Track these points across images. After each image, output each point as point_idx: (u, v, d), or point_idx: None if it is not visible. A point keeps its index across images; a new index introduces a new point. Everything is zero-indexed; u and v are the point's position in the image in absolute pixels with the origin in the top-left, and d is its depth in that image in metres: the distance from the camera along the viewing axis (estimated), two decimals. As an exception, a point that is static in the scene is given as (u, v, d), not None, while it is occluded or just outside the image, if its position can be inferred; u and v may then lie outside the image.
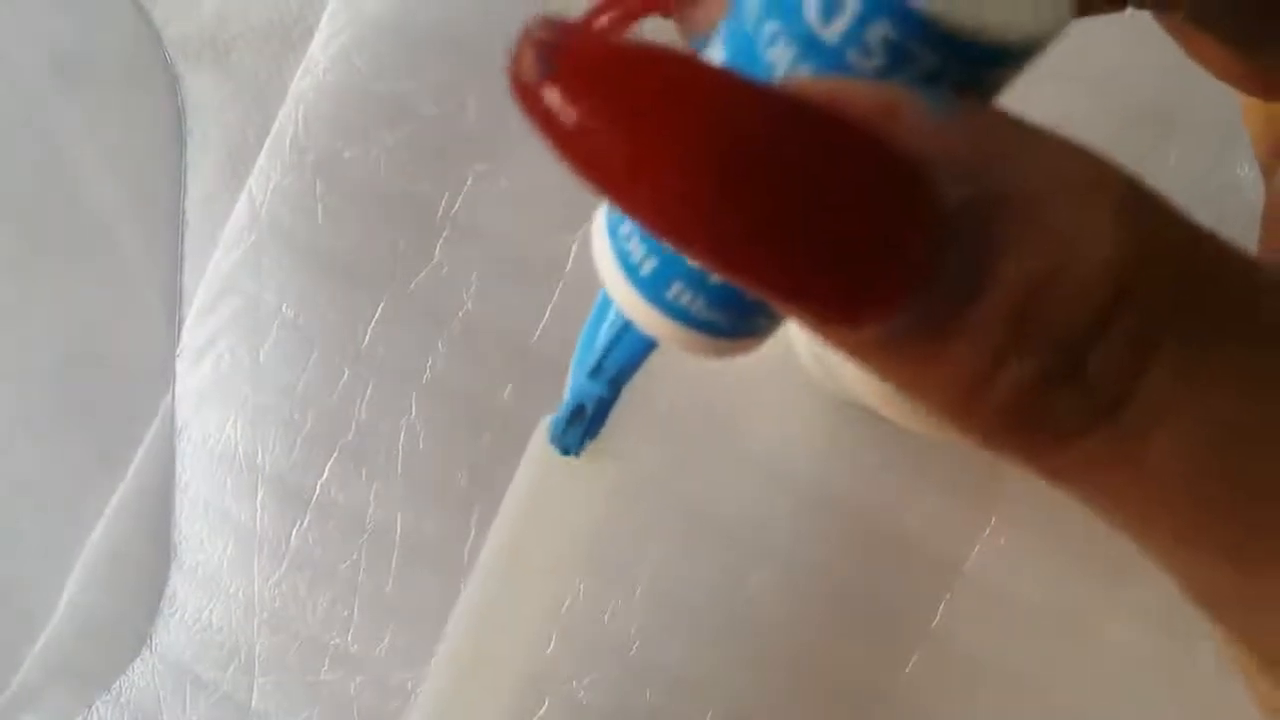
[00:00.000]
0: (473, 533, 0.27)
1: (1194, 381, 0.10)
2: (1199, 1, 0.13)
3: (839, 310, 0.10)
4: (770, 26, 0.11)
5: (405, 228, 0.28)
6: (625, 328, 0.17)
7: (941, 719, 0.27)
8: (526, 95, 0.10)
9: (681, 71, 0.09)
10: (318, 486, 0.28)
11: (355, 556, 0.28)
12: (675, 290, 0.13)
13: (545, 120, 0.10)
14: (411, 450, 0.28)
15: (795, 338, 0.26)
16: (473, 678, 0.22)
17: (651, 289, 0.14)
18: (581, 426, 0.20)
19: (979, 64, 0.10)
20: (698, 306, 0.13)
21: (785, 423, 0.27)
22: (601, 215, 0.14)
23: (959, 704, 0.26)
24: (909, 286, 0.09)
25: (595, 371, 0.18)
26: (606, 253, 0.14)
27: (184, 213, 0.30)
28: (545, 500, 0.21)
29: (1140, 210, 0.10)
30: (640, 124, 0.09)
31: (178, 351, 0.29)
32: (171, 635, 0.28)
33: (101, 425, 0.30)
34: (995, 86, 0.11)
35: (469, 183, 0.28)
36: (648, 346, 0.17)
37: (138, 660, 0.29)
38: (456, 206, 0.28)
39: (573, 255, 0.28)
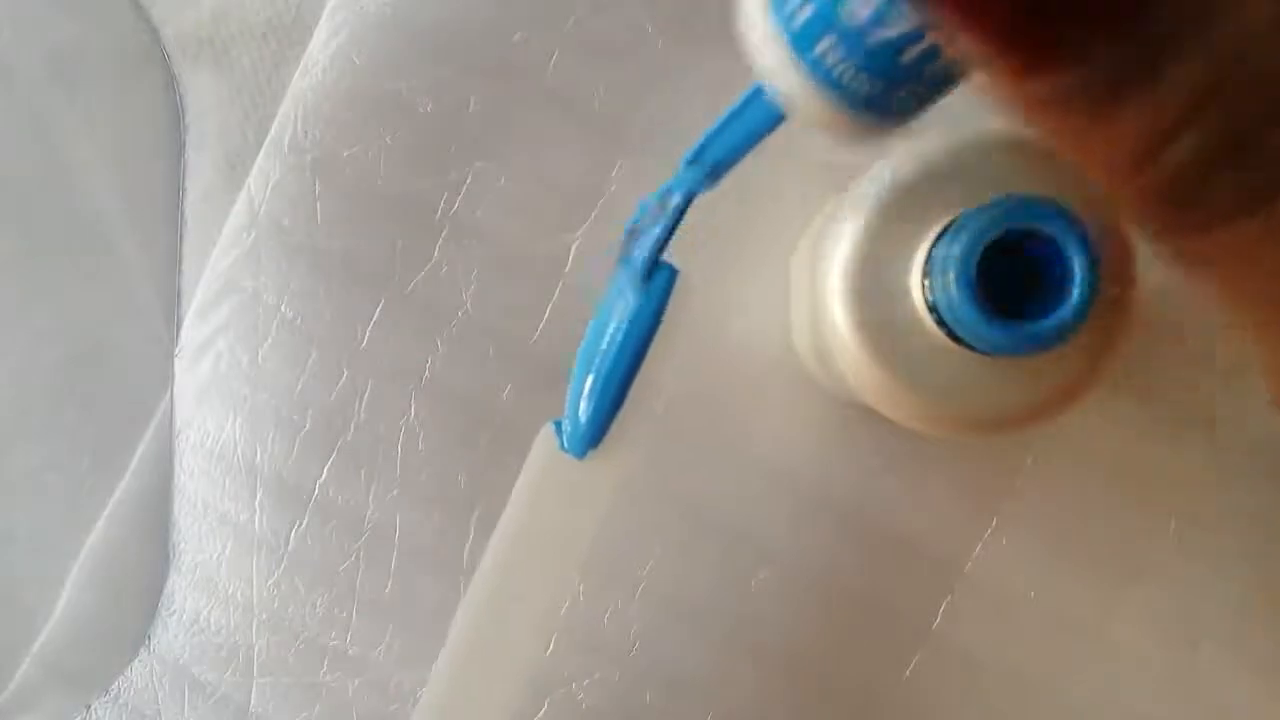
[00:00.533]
0: (472, 533, 0.27)
1: None
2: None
3: (1035, 42, 0.09)
4: None
5: (404, 227, 0.28)
6: (739, 109, 0.16)
7: (942, 719, 0.26)
8: None
9: None
10: (316, 487, 0.28)
11: (354, 557, 0.28)
12: (825, 46, 0.13)
13: None
14: (410, 451, 0.28)
15: (797, 338, 0.26)
16: (474, 678, 0.22)
17: (801, 43, 0.13)
18: (595, 431, 0.19)
19: None
20: (844, 68, 0.13)
21: (786, 423, 0.27)
22: None
23: (960, 704, 0.26)
24: (1112, 28, 0.09)
25: (696, 155, 0.17)
26: (757, 6, 0.14)
27: (182, 212, 0.30)
28: (548, 505, 0.21)
29: None
30: None
31: (176, 351, 0.29)
32: (170, 636, 0.28)
33: (100, 425, 0.30)
34: None
35: (468, 182, 0.28)
36: (760, 129, 0.17)
37: (136, 661, 0.29)
38: (456, 206, 0.28)
39: (572, 255, 0.28)
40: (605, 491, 0.21)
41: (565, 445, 0.21)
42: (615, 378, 0.19)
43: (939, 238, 0.20)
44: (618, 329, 0.18)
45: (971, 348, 0.20)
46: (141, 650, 0.29)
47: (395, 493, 0.28)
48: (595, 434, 0.20)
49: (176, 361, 0.29)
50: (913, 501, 0.26)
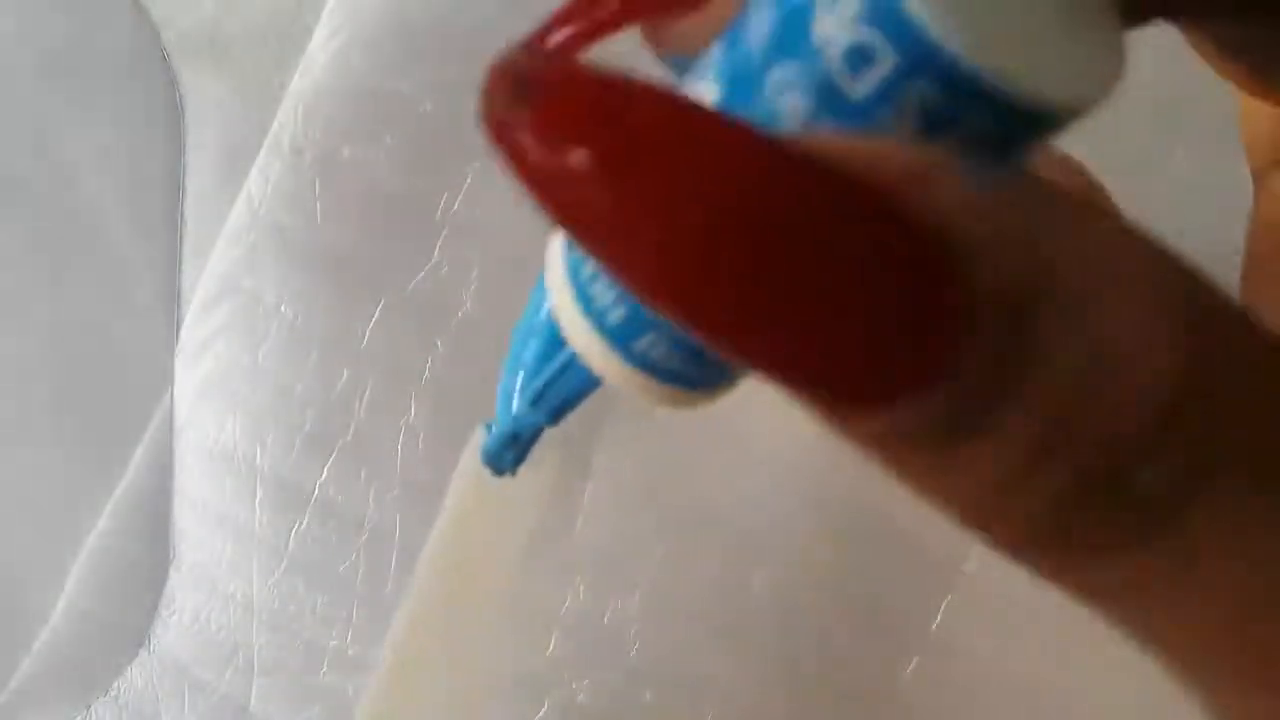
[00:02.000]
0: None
1: (1251, 514, 0.08)
2: (1209, 9, 0.12)
3: (847, 399, 0.09)
4: (781, 71, 0.10)
5: (404, 227, 0.28)
6: (573, 360, 0.15)
7: (942, 719, 0.26)
8: (498, 131, 0.09)
9: (678, 113, 0.08)
10: (316, 487, 0.28)
11: (354, 557, 0.28)
12: (646, 343, 0.12)
13: (518, 160, 0.09)
14: (410, 451, 0.28)
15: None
16: (414, 673, 0.21)
17: (619, 338, 0.12)
18: (517, 451, 0.18)
19: (1025, 129, 0.09)
20: (671, 360, 0.12)
21: (786, 422, 0.27)
22: (559, 249, 0.13)
23: (960, 705, 0.26)
24: (930, 377, 0.08)
25: (537, 401, 0.16)
26: (565, 291, 0.13)
27: (182, 212, 0.30)
28: (478, 515, 0.21)
29: (1202, 316, 0.09)
30: (627, 175, 0.08)
31: (176, 351, 0.29)
32: (170, 636, 0.28)
33: (99, 425, 0.30)
34: (1030, 154, 0.10)
35: (468, 181, 0.28)
36: (598, 382, 0.16)
37: (136, 661, 0.29)
38: (455, 205, 0.28)
39: (572, 255, 0.28)
40: (534, 503, 0.20)
41: (497, 463, 0.19)
42: (554, 404, 0.18)
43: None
44: (564, 354, 0.17)
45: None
46: (141, 650, 0.29)
47: (395, 492, 0.28)
48: (525, 454, 0.20)
49: (176, 361, 0.29)
50: (913, 502, 0.26)
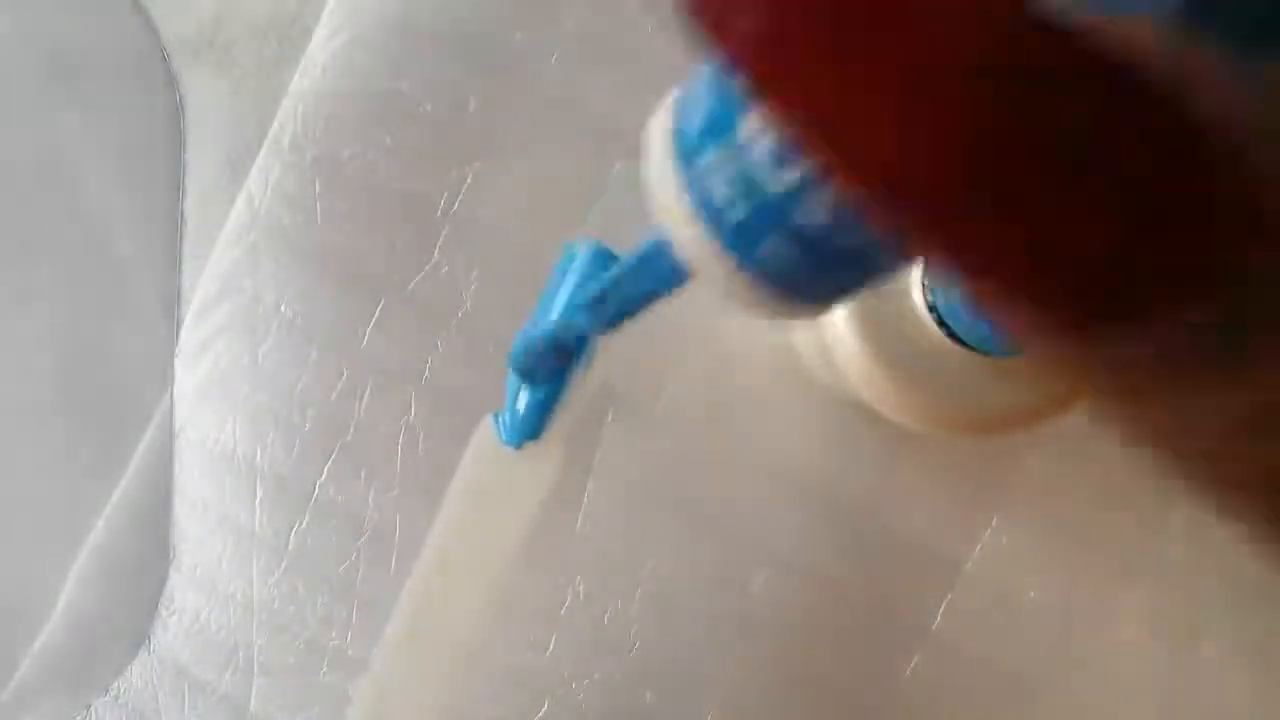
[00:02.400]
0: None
1: None
2: None
3: (1105, 309, 0.07)
4: None
5: (404, 227, 0.28)
6: (647, 257, 0.14)
7: (942, 719, 0.26)
8: (715, 14, 0.07)
9: None
10: (316, 487, 0.28)
11: (354, 557, 0.28)
12: (771, 247, 0.11)
13: (738, 45, 0.07)
14: (410, 450, 0.28)
15: (798, 336, 0.26)
16: (409, 661, 0.21)
17: (738, 239, 0.11)
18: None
19: None
20: (791, 266, 0.11)
21: (786, 422, 0.27)
22: (666, 129, 0.11)
23: (959, 704, 0.26)
24: (1204, 295, 0.07)
25: (596, 303, 0.15)
26: (672, 182, 0.11)
27: (183, 212, 0.30)
28: (487, 497, 0.21)
29: None
30: (864, 46, 0.07)
31: (176, 351, 0.29)
32: (170, 636, 0.28)
33: (99, 425, 0.30)
34: None
35: (468, 182, 0.28)
36: (670, 286, 0.14)
37: (136, 661, 0.29)
38: (456, 206, 0.28)
39: (572, 254, 0.28)
40: (542, 485, 0.21)
41: (503, 436, 0.20)
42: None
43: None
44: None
45: (972, 348, 0.20)
46: (141, 650, 0.29)
47: (395, 492, 0.28)
48: (533, 426, 0.20)
49: (176, 361, 0.29)
50: (913, 501, 0.27)
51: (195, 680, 0.28)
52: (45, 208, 0.31)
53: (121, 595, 0.29)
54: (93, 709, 0.29)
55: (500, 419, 0.21)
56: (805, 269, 0.11)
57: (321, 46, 0.29)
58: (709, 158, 0.11)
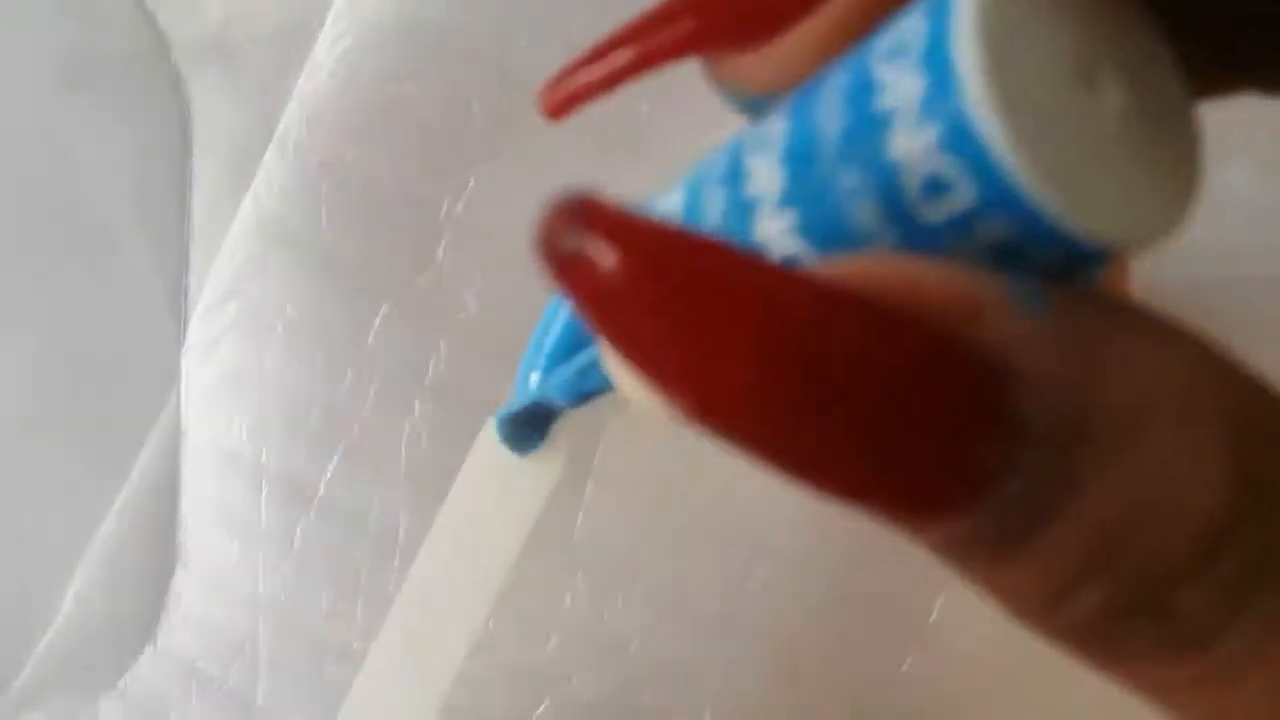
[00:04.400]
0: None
1: None
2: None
3: (902, 513, 0.09)
4: (852, 175, 0.09)
5: (408, 229, 0.28)
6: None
7: (939, 716, 0.27)
8: (563, 267, 0.09)
9: (726, 260, 0.09)
10: (322, 485, 0.28)
11: (359, 555, 0.28)
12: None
13: (578, 289, 0.09)
14: (415, 450, 0.28)
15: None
16: (406, 657, 0.22)
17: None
18: (537, 427, 0.19)
19: (1098, 259, 0.09)
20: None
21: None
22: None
23: (956, 701, 0.27)
24: (977, 496, 0.09)
25: (572, 384, 0.17)
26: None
27: (189, 214, 0.30)
28: (488, 498, 0.21)
29: (1253, 449, 0.09)
30: (677, 312, 0.09)
31: (183, 351, 0.29)
32: (176, 632, 0.29)
33: (107, 425, 0.30)
34: (1098, 273, 0.10)
35: (471, 184, 0.28)
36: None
37: (143, 657, 0.29)
38: (458, 208, 0.28)
39: (574, 257, 0.28)
40: (546, 488, 0.21)
41: (515, 441, 0.20)
42: (590, 389, 0.18)
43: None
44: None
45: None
46: (148, 646, 0.29)
47: (400, 491, 0.28)
48: (544, 432, 0.20)
49: (183, 361, 0.29)
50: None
51: (202, 676, 0.28)
52: (53, 210, 0.31)
53: (128, 592, 0.29)
54: (100, 705, 0.29)
55: (500, 422, 0.21)
56: None
57: (327, 51, 0.29)
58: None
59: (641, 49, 0.13)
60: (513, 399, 0.19)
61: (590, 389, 0.16)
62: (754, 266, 0.09)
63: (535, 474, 0.20)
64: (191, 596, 0.29)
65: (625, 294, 0.09)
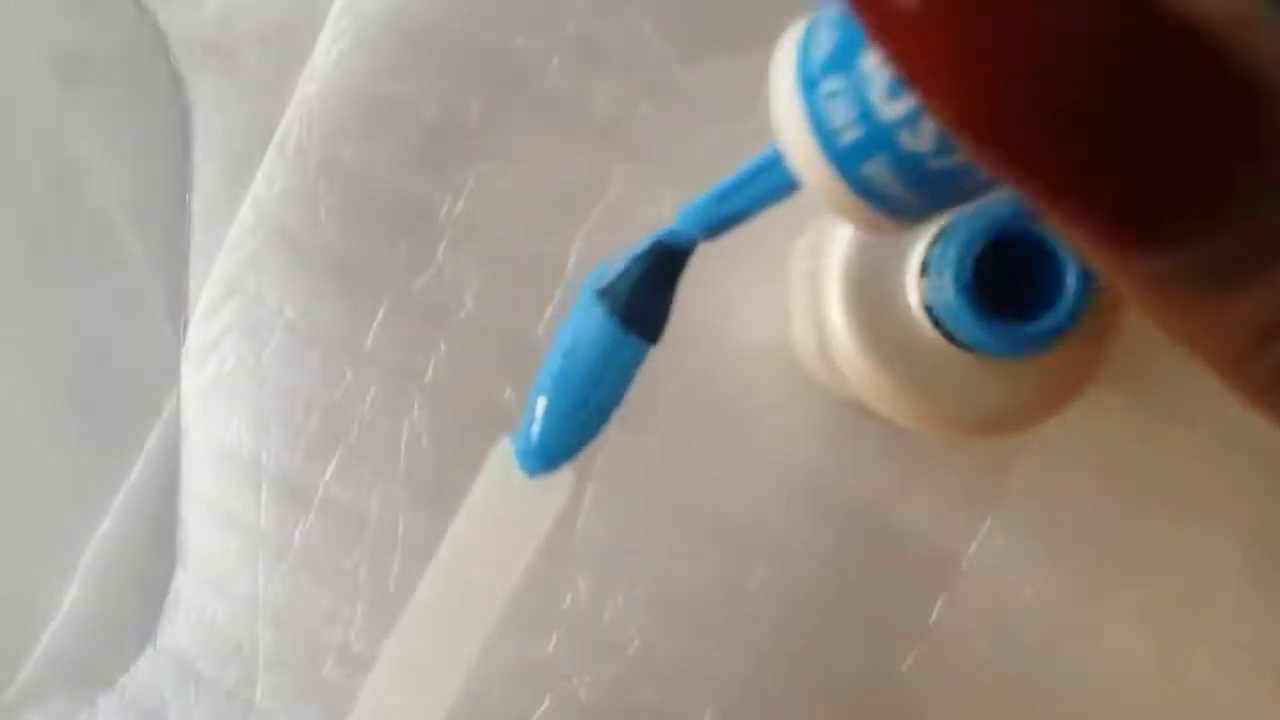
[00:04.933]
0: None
1: None
2: None
3: (1137, 233, 0.09)
4: None
5: (407, 229, 0.28)
6: (763, 167, 0.16)
7: (938, 716, 0.27)
8: None
9: None
10: (321, 486, 0.28)
11: (358, 555, 0.28)
12: (874, 167, 0.12)
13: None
14: (414, 450, 0.28)
15: (796, 337, 0.26)
16: (414, 661, 0.21)
17: (847, 160, 0.13)
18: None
19: None
20: (894, 187, 0.13)
21: (785, 422, 0.27)
22: (790, 60, 0.13)
23: (956, 701, 0.27)
24: (1223, 217, 0.09)
25: (711, 204, 0.17)
26: (795, 107, 0.13)
27: (189, 214, 0.30)
28: (498, 521, 0.21)
29: None
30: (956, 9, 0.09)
31: (183, 352, 0.29)
32: (176, 632, 0.29)
33: (106, 425, 0.30)
34: None
35: (470, 184, 0.28)
36: (778, 195, 0.16)
37: (142, 657, 0.29)
38: (458, 207, 0.28)
39: (573, 256, 0.28)
40: (553, 513, 0.20)
41: (519, 462, 0.20)
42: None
43: (935, 240, 0.20)
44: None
45: (967, 348, 0.20)
46: (147, 646, 0.29)
47: (399, 491, 0.28)
48: (552, 455, 0.19)
49: (183, 361, 0.29)
50: (909, 499, 0.27)
51: (201, 676, 0.28)
52: (52, 209, 0.31)
53: (128, 592, 0.29)
54: (99, 704, 0.29)
55: (516, 443, 0.20)
56: (905, 189, 0.13)
57: (326, 51, 0.29)
58: (830, 85, 0.12)
59: None
60: (523, 421, 0.19)
61: (727, 216, 0.17)
62: None
63: (545, 496, 0.20)
64: (191, 596, 0.29)
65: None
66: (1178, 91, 0.08)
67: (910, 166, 0.12)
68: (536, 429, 0.19)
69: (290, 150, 0.29)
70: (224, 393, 0.29)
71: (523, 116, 0.28)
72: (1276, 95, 0.08)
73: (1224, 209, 0.09)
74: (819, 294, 0.22)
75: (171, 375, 0.29)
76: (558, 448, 0.19)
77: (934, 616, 0.27)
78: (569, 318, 0.19)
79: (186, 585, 0.29)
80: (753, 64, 0.15)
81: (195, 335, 0.29)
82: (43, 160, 0.31)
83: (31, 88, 0.31)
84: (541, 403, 0.19)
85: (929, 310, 0.20)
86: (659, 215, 0.21)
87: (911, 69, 0.09)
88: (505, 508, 0.20)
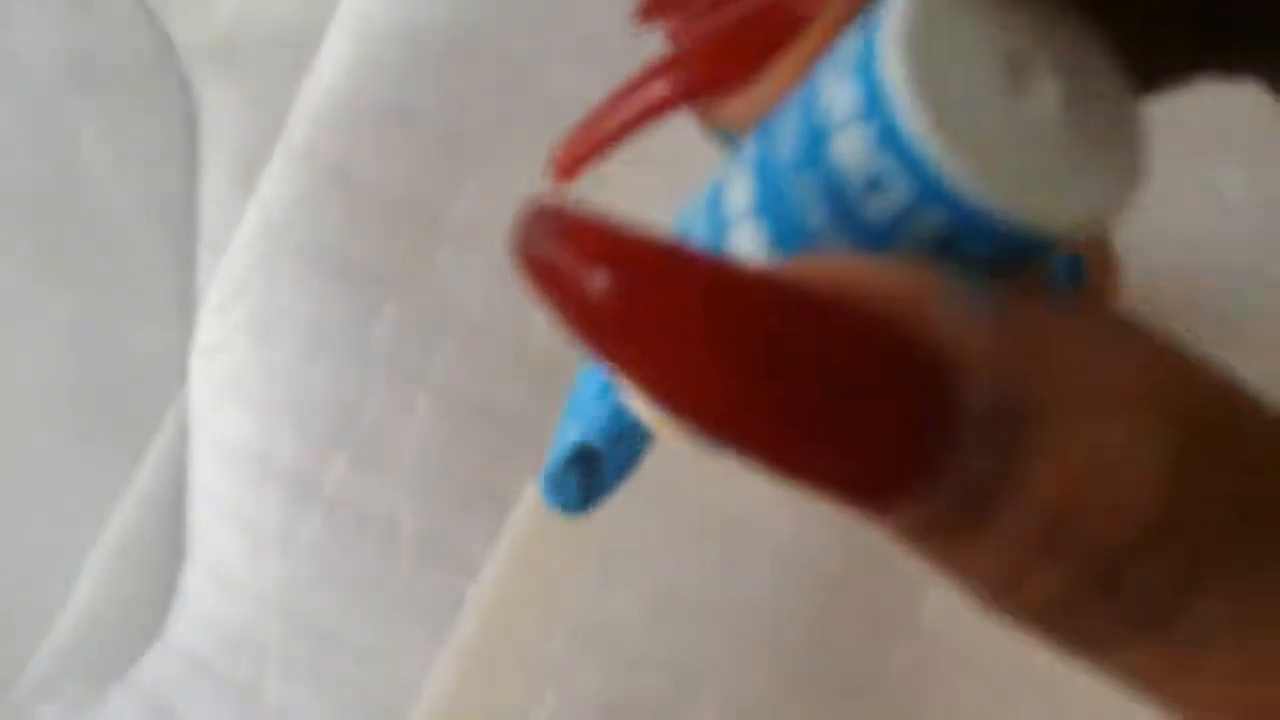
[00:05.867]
0: (479, 529, 0.28)
1: (1252, 591, 0.09)
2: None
3: (865, 496, 0.09)
4: (805, 183, 0.10)
5: (411, 230, 0.28)
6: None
7: (932, 710, 0.27)
8: (536, 268, 0.09)
9: (681, 257, 0.09)
10: (327, 484, 0.28)
11: (364, 552, 0.28)
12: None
13: (548, 285, 0.09)
14: (418, 448, 0.28)
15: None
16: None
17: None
18: (586, 475, 0.18)
19: (1037, 249, 0.10)
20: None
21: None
22: None
23: (949, 695, 0.27)
24: (928, 479, 0.09)
25: (621, 437, 0.17)
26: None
27: (197, 216, 0.30)
28: (536, 574, 0.20)
29: (1197, 434, 0.09)
30: (638, 305, 0.09)
31: (191, 351, 0.30)
32: (184, 627, 0.29)
33: (116, 424, 0.30)
34: (1044, 262, 0.10)
35: (473, 186, 0.28)
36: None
37: (151, 652, 0.29)
38: (460, 209, 0.28)
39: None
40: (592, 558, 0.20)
41: (547, 500, 0.18)
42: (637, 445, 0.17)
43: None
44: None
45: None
46: (157, 641, 0.29)
47: (404, 489, 0.28)
48: (606, 483, 0.18)
49: (192, 360, 0.30)
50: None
51: (209, 670, 0.29)
52: (63, 211, 0.31)
53: (137, 588, 0.29)
54: (109, 699, 0.29)
55: (545, 480, 0.19)
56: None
57: (331, 54, 0.29)
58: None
59: (636, 107, 0.14)
60: (553, 451, 0.19)
61: (625, 426, 0.16)
62: (715, 268, 0.09)
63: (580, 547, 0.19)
64: (199, 592, 0.29)
65: (612, 311, 0.09)
66: (857, 375, 0.09)
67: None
68: (571, 465, 0.19)
69: (297, 153, 0.29)
70: (232, 391, 0.29)
71: (524, 119, 0.28)
72: (956, 368, 0.09)
73: (928, 477, 0.09)
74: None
75: (180, 375, 0.30)
76: (599, 483, 0.18)
77: (930, 614, 0.27)
78: None
79: (195, 580, 0.29)
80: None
81: (204, 335, 0.29)
82: (53, 163, 0.31)
83: (42, 93, 0.31)
84: (576, 437, 0.18)
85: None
86: (659, 218, 0.22)
87: (619, 368, 0.09)
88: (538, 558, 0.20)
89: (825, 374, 0.09)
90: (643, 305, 0.09)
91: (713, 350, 0.09)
